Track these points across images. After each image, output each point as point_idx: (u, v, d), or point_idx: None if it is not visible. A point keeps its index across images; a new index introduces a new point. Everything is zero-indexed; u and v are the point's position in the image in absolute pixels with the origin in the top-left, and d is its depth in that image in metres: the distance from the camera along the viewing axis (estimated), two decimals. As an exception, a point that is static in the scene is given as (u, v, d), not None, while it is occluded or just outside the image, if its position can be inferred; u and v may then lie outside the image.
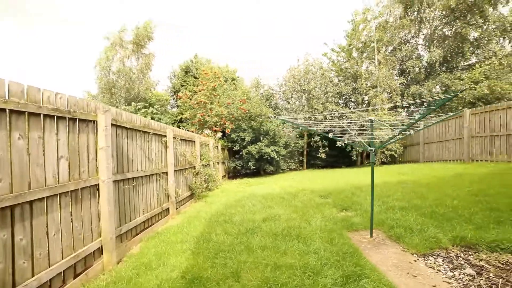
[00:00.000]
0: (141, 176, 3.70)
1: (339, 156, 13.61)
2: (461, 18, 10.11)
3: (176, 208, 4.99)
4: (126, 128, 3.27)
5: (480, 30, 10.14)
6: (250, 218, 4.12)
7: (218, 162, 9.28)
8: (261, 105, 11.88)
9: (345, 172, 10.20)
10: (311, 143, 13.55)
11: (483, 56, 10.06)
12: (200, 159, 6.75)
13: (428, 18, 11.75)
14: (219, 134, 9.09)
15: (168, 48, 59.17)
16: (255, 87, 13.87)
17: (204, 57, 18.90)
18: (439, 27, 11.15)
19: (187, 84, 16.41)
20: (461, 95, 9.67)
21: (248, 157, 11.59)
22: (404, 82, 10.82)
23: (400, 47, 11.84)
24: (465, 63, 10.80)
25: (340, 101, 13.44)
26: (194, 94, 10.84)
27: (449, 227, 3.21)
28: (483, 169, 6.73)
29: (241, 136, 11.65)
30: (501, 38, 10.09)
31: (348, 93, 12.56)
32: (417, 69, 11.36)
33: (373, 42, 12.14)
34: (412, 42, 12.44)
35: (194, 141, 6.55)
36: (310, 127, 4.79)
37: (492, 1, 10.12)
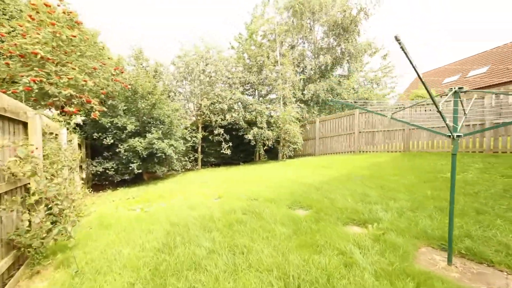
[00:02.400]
0: None
1: (234, 152, 12.43)
2: (340, 35, 11.92)
3: None
4: None
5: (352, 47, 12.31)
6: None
7: (73, 169, 4.93)
8: (151, 80, 8.20)
9: (256, 169, 8.99)
10: (210, 137, 11.40)
11: (355, 67, 12.51)
12: (46, 166, 2.82)
13: (314, 32, 13.09)
14: (78, 119, 4.85)
15: None
16: (136, 58, 9.66)
17: None
18: (325, 39, 12.75)
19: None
20: (346, 97, 11.48)
21: (129, 155, 7.61)
22: (304, 78, 11.34)
23: (297, 45, 12.48)
24: (343, 72, 13.03)
25: (246, 91, 12.25)
26: (15, 37, 5.40)
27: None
28: (384, 157, 7.70)
29: (118, 124, 7.45)
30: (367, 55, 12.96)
31: (254, 82, 11.59)
32: (312, 70, 12.35)
33: (274, 34, 11.85)
34: (304, 45, 13.49)
35: (24, 123, 2.58)
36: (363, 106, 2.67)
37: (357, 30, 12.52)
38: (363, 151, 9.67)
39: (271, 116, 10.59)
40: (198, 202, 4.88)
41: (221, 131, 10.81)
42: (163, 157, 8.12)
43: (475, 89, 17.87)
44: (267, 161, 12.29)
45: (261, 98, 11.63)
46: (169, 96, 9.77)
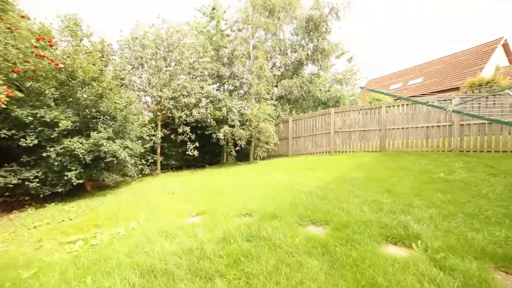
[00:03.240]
0: None
1: (199, 153, 10.96)
2: (312, 32, 11.71)
3: None
4: None
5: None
6: None
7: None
8: (97, 62, 6.29)
9: (229, 173, 7.85)
10: (172, 136, 9.77)
11: (325, 66, 12.45)
12: None
13: (284, 29, 12.62)
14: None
15: None
16: (71, 33, 7.42)
17: None
18: (298, 35, 12.38)
19: None
20: (319, 95, 11.27)
21: (64, 161, 5.64)
22: (277, 74, 10.69)
23: (268, 39, 11.78)
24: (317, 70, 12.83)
25: (214, 85, 10.90)
26: None
27: None
28: (365, 157, 7.49)
29: (45, 118, 5.41)
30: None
31: (224, 76, 10.39)
32: (284, 66, 11.78)
33: (247, 25, 10.91)
34: (275, 40, 12.86)
35: None
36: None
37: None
38: (339, 151, 9.49)
39: (244, 114, 9.59)
40: (173, 224, 3.58)
41: (187, 129, 9.29)
42: (115, 162, 6.31)
43: (412, 96, 20.27)
44: (236, 163, 11.21)
45: (227, 93, 10.48)
46: (121, 85, 7.79)
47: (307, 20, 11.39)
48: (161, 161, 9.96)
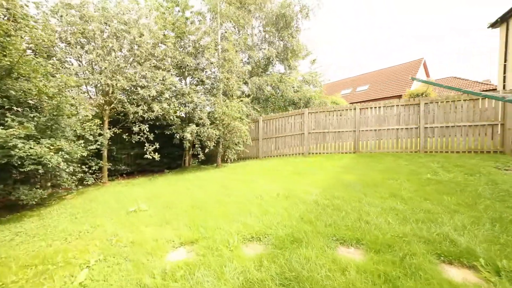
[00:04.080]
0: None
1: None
2: (282, 29, 11.36)
3: None
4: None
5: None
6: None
7: None
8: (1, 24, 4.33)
9: (201, 180, 6.65)
10: (124, 136, 7.96)
11: (294, 65, 12.23)
12: None
13: (253, 24, 11.97)
14: None
15: None
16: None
17: None
18: (267, 32, 11.81)
19: None
20: (291, 95, 10.89)
21: None
22: (248, 69, 9.84)
23: (237, 33, 10.83)
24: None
25: (177, 77, 9.34)
26: None
27: None
28: (344, 159, 7.33)
29: None
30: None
31: (189, 67, 9.00)
32: (254, 62, 11.03)
33: (216, 14, 9.80)
34: (243, 34, 12.01)
35: None
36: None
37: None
38: (313, 153, 9.28)
39: (214, 111, 8.46)
40: (149, 268, 2.40)
41: (145, 127, 7.61)
42: (40, 171, 4.45)
43: (361, 101, 22.35)
44: (200, 167, 9.92)
45: (194, 87, 9.17)
46: (53, 66, 5.61)
47: (278, 16, 10.99)
48: (108, 167, 7.95)
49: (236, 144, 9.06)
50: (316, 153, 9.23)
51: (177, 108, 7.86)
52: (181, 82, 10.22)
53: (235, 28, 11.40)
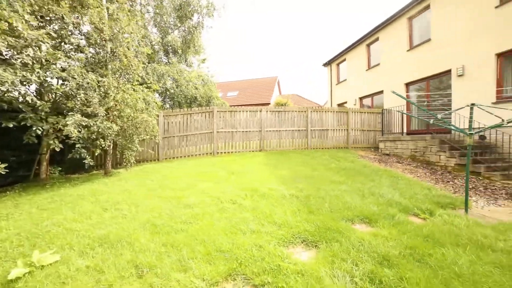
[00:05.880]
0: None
1: None
2: (184, 19, 10.06)
3: None
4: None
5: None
6: None
7: None
8: None
9: (107, 202, 4.37)
10: None
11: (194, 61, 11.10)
12: None
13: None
14: None
15: None
16: None
17: None
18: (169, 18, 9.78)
19: None
20: (193, 91, 9.64)
21: None
22: (148, 52, 7.57)
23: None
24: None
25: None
26: None
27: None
28: (259, 157, 7.77)
29: None
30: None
31: (66, 27, 5.55)
32: (156, 46, 8.72)
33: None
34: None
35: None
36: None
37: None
38: (221, 152, 9.09)
39: (108, 96, 5.89)
40: None
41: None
42: None
43: (233, 105, 24.92)
44: (70, 179, 6.53)
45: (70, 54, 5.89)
46: None
47: (182, 4, 9.52)
48: None
49: (142, 141, 6.91)
50: (225, 152, 9.12)
51: (40, 79, 4.66)
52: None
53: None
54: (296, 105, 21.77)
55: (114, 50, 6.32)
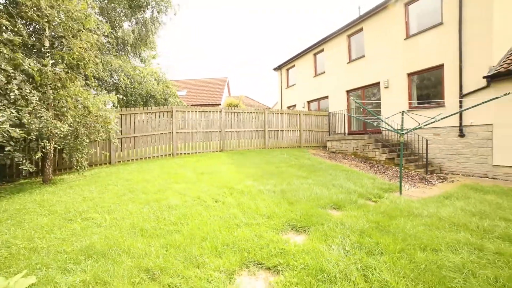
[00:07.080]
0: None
1: None
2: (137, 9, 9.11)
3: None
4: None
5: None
6: None
7: None
8: None
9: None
10: None
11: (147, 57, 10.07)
12: None
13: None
14: None
15: None
16: None
17: None
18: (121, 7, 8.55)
19: None
20: (150, 88, 8.76)
21: None
22: (102, 41, 6.49)
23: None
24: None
25: None
26: None
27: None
28: (222, 157, 7.87)
29: None
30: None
31: None
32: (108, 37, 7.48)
33: None
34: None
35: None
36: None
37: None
38: (181, 153, 8.80)
39: (59, 87, 4.96)
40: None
41: None
42: None
43: (191, 105, 24.01)
44: (27, 182, 5.25)
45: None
46: None
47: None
48: None
49: (90, 143, 6.06)
50: (184, 153, 8.86)
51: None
52: None
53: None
54: (247, 107, 22.41)
55: (65, 34, 5.40)
